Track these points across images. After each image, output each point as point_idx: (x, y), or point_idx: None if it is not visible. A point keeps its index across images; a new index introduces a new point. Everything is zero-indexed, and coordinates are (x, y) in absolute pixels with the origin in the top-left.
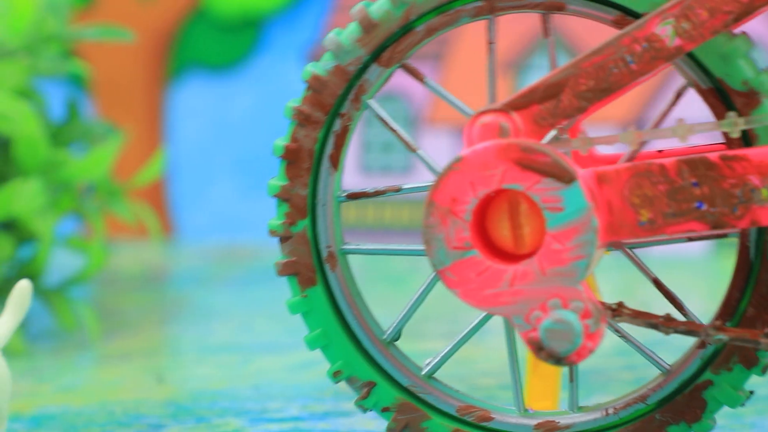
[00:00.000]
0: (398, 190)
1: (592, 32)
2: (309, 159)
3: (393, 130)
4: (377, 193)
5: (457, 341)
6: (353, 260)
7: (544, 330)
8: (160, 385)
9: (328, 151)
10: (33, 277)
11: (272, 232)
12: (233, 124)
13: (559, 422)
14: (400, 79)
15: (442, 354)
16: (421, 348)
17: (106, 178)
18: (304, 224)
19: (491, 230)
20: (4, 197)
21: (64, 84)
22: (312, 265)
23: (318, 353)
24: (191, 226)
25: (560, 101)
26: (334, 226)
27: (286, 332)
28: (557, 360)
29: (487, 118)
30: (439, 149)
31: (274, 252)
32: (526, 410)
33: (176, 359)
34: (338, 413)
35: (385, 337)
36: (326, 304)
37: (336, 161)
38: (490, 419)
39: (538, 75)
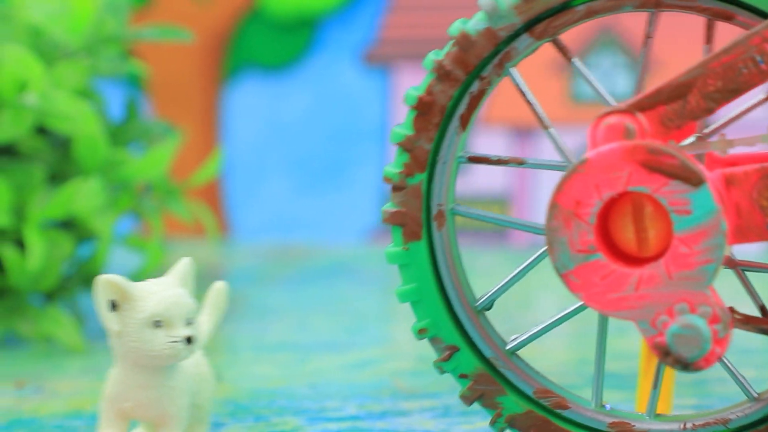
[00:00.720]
0: (522, 162)
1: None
2: (440, 115)
3: (530, 104)
4: (499, 162)
5: (547, 324)
6: None
7: (672, 335)
8: (219, 383)
9: (460, 111)
10: (91, 275)
11: (387, 179)
12: (288, 124)
13: (634, 426)
14: None
15: (530, 333)
16: None
17: (163, 178)
18: (420, 178)
19: (614, 233)
20: (64, 196)
21: (122, 84)
22: (420, 220)
23: (375, 352)
24: (246, 225)
25: (687, 102)
26: (449, 185)
27: (342, 331)
28: (684, 366)
29: (612, 120)
30: (494, 149)
31: (328, 251)
32: (602, 406)
33: (233, 357)
34: (396, 412)
35: (477, 304)
36: (426, 260)
37: (466, 122)
38: (566, 408)
39: (594, 75)
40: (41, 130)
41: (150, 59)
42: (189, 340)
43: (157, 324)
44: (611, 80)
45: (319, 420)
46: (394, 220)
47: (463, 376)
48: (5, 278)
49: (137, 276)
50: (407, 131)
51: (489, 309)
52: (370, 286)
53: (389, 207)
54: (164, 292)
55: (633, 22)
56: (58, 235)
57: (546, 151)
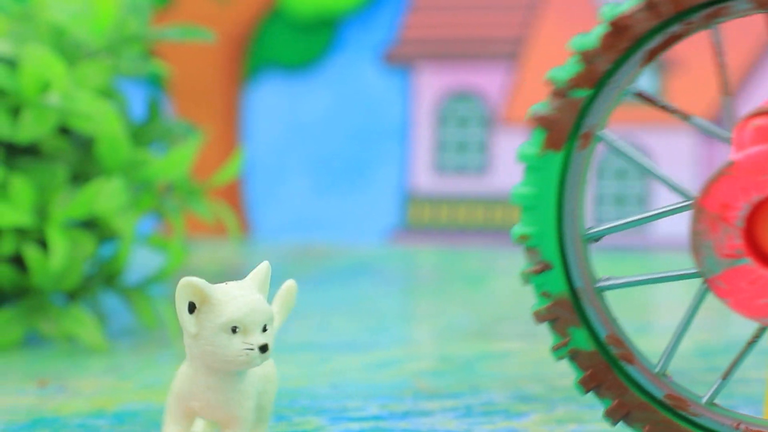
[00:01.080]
0: (687, 117)
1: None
2: (630, 41)
3: (720, 65)
4: (664, 108)
5: (643, 278)
6: (430, 259)
7: None
8: None
9: (651, 45)
10: (114, 275)
11: (551, 81)
12: (309, 124)
13: (689, 406)
14: (474, 78)
15: (624, 280)
16: (496, 348)
17: (185, 178)
18: (586, 94)
19: (762, 237)
20: (86, 196)
21: (144, 84)
22: (567, 133)
23: (396, 352)
24: (267, 225)
25: None
26: (607, 111)
27: (363, 331)
28: None
29: (760, 121)
30: (514, 149)
31: (348, 251)
32: (664, 374)
33: None
34: (418, 413)
35: (587, 232)
36: (556, 173)
37: (651, 57)
38: (630, 362)
39: None
40: (64, 130)
41: (171, 59)
42: (264, 348)
43: (234, 330)
44: None
45: (341, 420)
46: (543, 122)
47: (545, 294)
48: (28, 278)
49: (160, 275)
50: (593, 45)
51: (595, 241)
52: (392, 286)
53: (542, 107)
54: (244, 297)
55: None
56: (81, 235)
57: None
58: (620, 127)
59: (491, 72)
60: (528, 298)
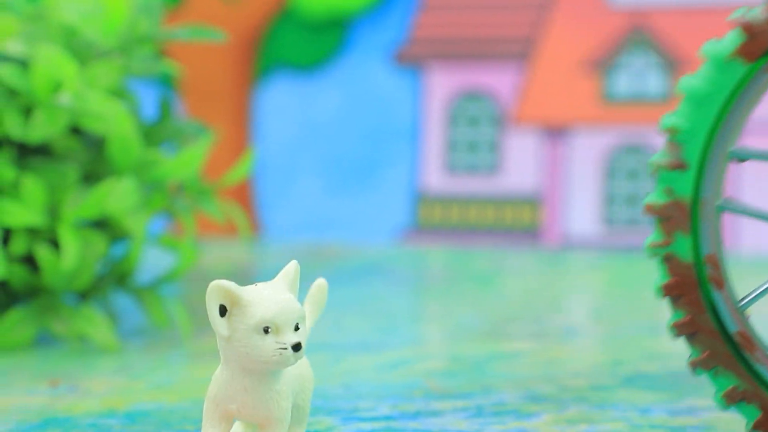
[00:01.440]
0: None
1: (682, 31)
2: None
3: None
4: None
5: (764, 213)
6: (440, 259)
7: None
8: None
9: None
10: (125, 274)
11: (742, 21)
12: (319, 124)
13: (755, 351)
14: (485, 78)
15: (745, 207)
16: (506, 348)
17: (196, 177)
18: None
19: None
20: (98, 196)
21: (155, 84)
22: (757, 58)
23: (407, 352)
24: (277, 225)
25: None
26: None
27: (375, 331)
28: None
29: None
30: (524, 148)
31: (359, 251)
32: (744, 312)
33: None
34: (429, 413)
35: (735, 149)
36: (735, 82)
37: None
38: (718, 287)
39: (624, 74)
40: (75, 130)
41: (182, 59)
42: (297, 347)
43: (267, 330)
44: (643, 80)
45: (352, 420)
46: (746, 28)
47: (667, 191)
48: (39, 277)
49: (171, 275)
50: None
51: (738, 161)
52: (402, 286)
53: (753, 14)
54: (274, 297)
55: (664, 22)
56: (92, 235)
57: (577, 150)
58: (625, 125)
59: (502, 72)
60: (537, 302)
